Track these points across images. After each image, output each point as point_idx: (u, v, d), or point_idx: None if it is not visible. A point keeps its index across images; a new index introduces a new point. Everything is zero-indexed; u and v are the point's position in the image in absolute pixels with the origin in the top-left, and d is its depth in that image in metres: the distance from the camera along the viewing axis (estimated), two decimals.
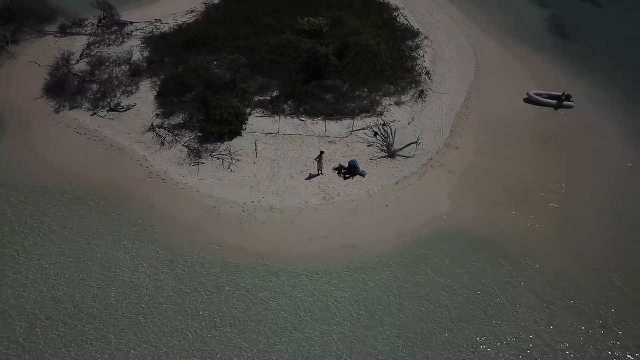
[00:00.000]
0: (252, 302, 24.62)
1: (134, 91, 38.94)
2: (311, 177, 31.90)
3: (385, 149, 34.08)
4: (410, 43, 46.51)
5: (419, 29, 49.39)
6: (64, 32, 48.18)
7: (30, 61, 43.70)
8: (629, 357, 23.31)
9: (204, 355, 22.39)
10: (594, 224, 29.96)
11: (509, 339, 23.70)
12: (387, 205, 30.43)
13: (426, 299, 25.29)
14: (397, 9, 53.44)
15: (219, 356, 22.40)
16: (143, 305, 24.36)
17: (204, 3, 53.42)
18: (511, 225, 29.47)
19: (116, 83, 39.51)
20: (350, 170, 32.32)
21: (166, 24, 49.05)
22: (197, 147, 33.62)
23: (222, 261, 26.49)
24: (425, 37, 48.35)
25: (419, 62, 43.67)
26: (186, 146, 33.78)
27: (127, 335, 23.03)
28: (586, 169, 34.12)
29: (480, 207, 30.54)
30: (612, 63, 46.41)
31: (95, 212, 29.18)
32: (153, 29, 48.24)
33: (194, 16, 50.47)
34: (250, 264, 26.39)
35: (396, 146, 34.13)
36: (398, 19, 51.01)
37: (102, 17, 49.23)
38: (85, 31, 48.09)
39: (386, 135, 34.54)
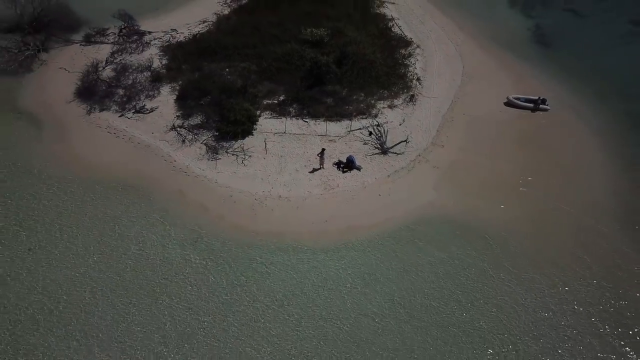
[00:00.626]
0: (265, 273, 29.29)
1: (155, 95, 43.67)
2: (314, 170, 36.60)
3: (379, 146, 38.75)
4: (403, 51, 51.25)
5: (411, 38, 54.10)
6: (88, 40, 52.98)
7: (60, 67, 48.53)
8: (579, 310, 27.86)
9: (227, 314, 27.03)
10: (556, 209, 34.58)
11: (479, 297, 28.33)
12: (379, 195, 35.11)
13: (411, 270, 29.93)
14: (392, 19, 58.20)
15: (240, 315, 27.04)
16: (169, 275, 29.00)
17: (215, 14, 58.28)
18: (485, 211, 34.09)
19: (139, 88, 44.28)
20: (348, 165, 37.00)
21: (181, 33, 53.80)
22: (214, 144, 38.34)
23: (238, 240, 31.17)
24: (417, 46, 53.06)
25: (410, 69, 48.40)
26: (204, 144, 38.49)
27: (162, 300, 27.68)
28: (555, 163, 38.70)
29: (460, 197, 35.19)
30: (586, 69, 51.01)
31: (127, 200, 33.88)
32: (169, 38, 53.01)
33: (206, 26, 55.19)
34: (263, 242, 31.07)
35: (388, 144, 38.79)
36: (393, 28, 55.74)
37: (123, 26, 53.95)
38: (108, 40, 52.84)
39: (380, 135, 39.22)
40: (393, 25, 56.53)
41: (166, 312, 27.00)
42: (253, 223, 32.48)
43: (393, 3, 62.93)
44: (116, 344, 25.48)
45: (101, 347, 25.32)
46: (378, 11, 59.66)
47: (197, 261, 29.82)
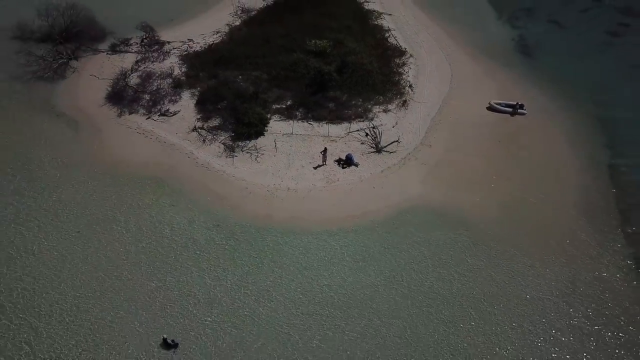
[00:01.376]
0: (278, 250, 34.97)
1: (177, 100, 49.44)
2: (317, 166, 42.28)
3: (374, 146, 44.40)
4: (397, 60, 56.98)
5: (405, 48, 59.77)
6: (114, 50, 58.78)
7: (90, 75, 54.32)
8: (537, 278, 33.44)
9: (247, 282, 32.72)
10: (525, 200, 40.20)
11: (455, 270, 33.94)
12: (374, 187, 40.78)
13: (400, 249, 35.55)
14: (388, 30, 63.88)
15: (258, 283, 32.71)
16: (197, 252, 34.72)
17: (227, 24, 64.01)
18: (465, 201, 39.67)
19: (163, 93, 50.05)
20: (347, 162, 42.65)
21: (197, 43, 59.53)
22: (230, 143, 44.06)
23: (254, 225, 36.85)
24: (411, 55, 58.74)
25: (404, 76, 54.13)
26: (222, 143, 44.22)
27: (192, 271, 33.35)
28: (529, 161, 44.28)
29: (443, 190, 40.79)
30: (562, 77, 56.53)
31: (159, 191, 39.59)
32: (187, 47, 58.73)
33: (220, 36, 60.93)
34: (275, 226, 36.76)
35: (382, 144, 44.45)
36: (389, 39, 61.40)
37: (144, 37, 59.67)
38: (132, 49, 58.56)
39: (375, 136, 44.87)
40: (389, 36, 62.19)
41: (196, 281, 32.68)
42: (266, 210, 38.18)
43: (390, 15, 68.70)
44: (158, 305, 31.18)
45: (145, 309, 31.02)
46: (376, 22, 65.36)
47: (220, 241, 35.54)
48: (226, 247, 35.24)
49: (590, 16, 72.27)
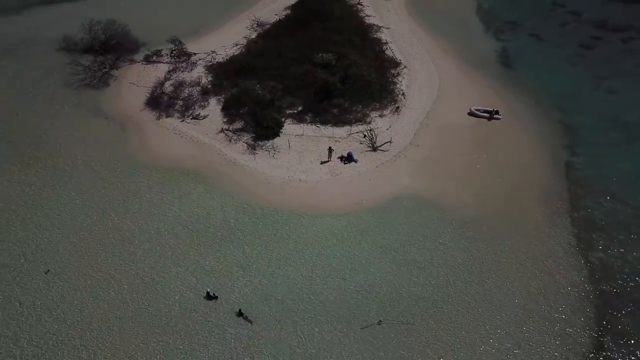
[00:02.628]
0: (293, 228, 44.12)
1: (206, 105, 58.58)
2: (323, 162, 51.40)
3: (370, 145, 53.44)
4: (393, 71, 65.82)
5: (400, 60, 68.63)
6: (148, 60, 67.92)
7: (130, 83, 63.53)
8: (494, 245, 42.43)
9: (269, 252, 41.90)
10: (495, 190, 49.15)
11: (432, 244, 42.97)
12: (369, 180, 49.88)
13: (391, 228, 44.58)
14: (386, 42, 72.73)
15: (276, 252, 41.88)
16: (230, 229, 43.94)
17: (245, 37, 73.05)
18: (444, 191, 48.64)
19: (194, 99, 59.22)
20: (348, 158, 51.73)
21: (219, 54, 68.58)
22: (252, 143, 53.23)
23: (272, 209, 46.03)
24: (405, 66, 67.59)
25: (398, 85, 62.99)
26: (245, 142, 53.40)
27: (225, 245, 42.57)
28: (499, 158, 53.18)
29: (427, 182, 49.79)
30: (534, 86, 64.99)
31: (193, 182, 48.81)
32: (211, 58, 67.82)
33: (239, 48, 69.91)
34: (290, 210, 45.91)
35: (377, 144, 53.46)
36: (386, 51, 70.26)
37: (174, 48, 68.78)
38: (163, 60, 67.72)
39: (371, 137, 53.89)
40: (387, 48, 71.03)
41: (231, 251, 41.95)
42: (282, 198, 47.40)
43: (388, 28, 77.52)
44: (202, 268, 40.46)
45: (193, 270, 40.32)
46: (375, 36, 74.22)
47: (247, 220, 44.81)
48: (252, 225, 44.49)
49: (568, 30, 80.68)
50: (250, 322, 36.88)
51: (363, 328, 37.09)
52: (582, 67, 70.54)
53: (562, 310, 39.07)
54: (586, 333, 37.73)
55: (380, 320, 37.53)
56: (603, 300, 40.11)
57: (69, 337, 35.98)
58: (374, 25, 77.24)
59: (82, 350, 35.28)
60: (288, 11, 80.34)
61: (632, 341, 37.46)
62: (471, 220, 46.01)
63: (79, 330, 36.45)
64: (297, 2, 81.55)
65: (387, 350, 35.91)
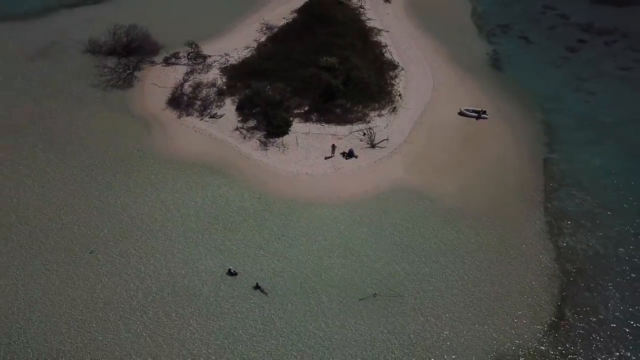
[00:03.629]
0: (298, 217, 50.76)
1: (222, 105, 65.06)
2: (327, 158, 57.96)
3: (369, 142, 59.93)
4: (391, 73, 72.04)
5: (398, 62, 74.80)
6: (167, 62, 74.31)
7: (152, 84, 70.00)
8: (471, 229, 49.02)
9: (281, 236, 48.62)
10: (477, 182, 55.66)
11: (419, 230, 49.60)
12: (368, 174, 56.47)
13: (386, 214, 51.19)
14: (385, 45, 78.89)
15: (288, 235, 48.63)
16: (247, 215, 50.67)
17: (255, 40, 79.29)
18: (432, 183, 55.21)
19: (211, 100, 65.69)
20: (349, 154, 58.26)
21: (232, 57, 74.87)
22: (264, 140, 59.80)
23: (283, 199, 52.69)
24: (402, 69, 73.79)
25: (395, 87, 69.26)
26: (258, 140, 59.96)
27: (239, 231, 49.32)
28: (484, 154, 59.60)
29: (419, 175, 56.31)
30: (520, 87, 71.23)
31: (213, 175, 55.49)
32: (225, 60, 74.16)
33: (250, 51, 76.16)
34: (298, 200, 52.54)
35: (376, 141, 59.93)
36: (385, 54, 76.45)
37: (190, 51, 75.09)
38: (181, 62, 74.09)
39: (370, 135, 60.35)
40: (386, 51, 77.21)
41: (250, 234, 48.75)
42: (291, 189, 54.06)
43: (387, 31, 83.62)
44: (223, 249, 47.27)
45: (214, 250, 47.16)
46: (375, 39, 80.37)
47: (261, 209, 51.54)
48: (265, 212, 51.24)
49: (556, 33, 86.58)
50: (266, 293, 43.72)
51: (361, 299, 43.89)
52: (565, 69, 76.61)
53: (532, 285, 45.74)
54: (551, 304, 44.42)
55: (375, 294, 44.32)
56: (567, 278, 46.75)
57: (121, 304, 42.98)
58: (375, 28, 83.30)
59: (135, 312, 42.28)
60: (295, 15, 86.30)
61: (589, 310, 44.12)
62: (456, 209, 52.61)
63: (126, 297, 43.43)
64: (302, 7, 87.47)
65: (381, 316, 42.69)
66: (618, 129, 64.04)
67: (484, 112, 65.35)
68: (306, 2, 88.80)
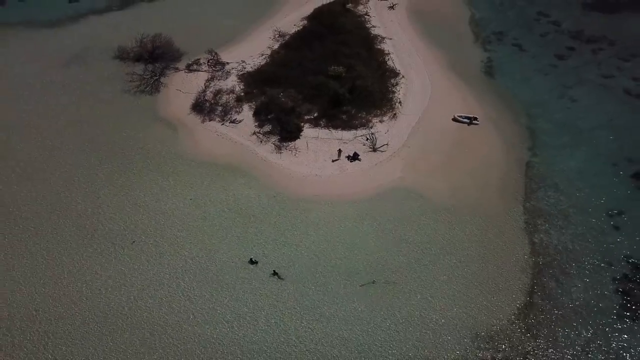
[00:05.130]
0: (309, 213, 58.82)
1: (240, 111, 72.88)
2: (334, 161, 65.84)
3: (372, 147, 67.68)
4: (393, 81, 79.46)
5: (399, 70, 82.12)
6: (189, 69, 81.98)
7: (177, 89, 77.83)
8: (459, 226, 56.98)
9: (295, 225, 56.81)
10: (466, 182, 63.41)
11: (414, 226, 57.60)
12: (370, 175, 64.38)
13: (385, 211, 59.15)
14: (388, 53, 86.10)
15: (298, 227, 56.79)
16: (265, 211, 58.85)
17: (269, 47, 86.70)
18: (426, 183, 63.00)
19: (230, 105, 73.48)
20: (353, 157, 66.09)
21: (248, 64, 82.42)
22: (278, 144, 67.66)
23: (294, 195, 60.73)
24: (403, 76, 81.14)
25: (396, 94, 76.74)
26: (273, 143, 67.84)
27: (256, 225, 57.57)
28: (473, 157, 67.21)
29: (415, 176, 64.10)
30: (509, 94, 78.65)
31: (234, 175, 63.57)
32: (241, 67, 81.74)
33: (264, 58, 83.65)
34: (307, 198, 60.58)
35: (377, 145, 67.67)
36: (388, 62, 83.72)
37: (210, 58, 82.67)
38: (202, 68, 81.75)
39: (372, 140, 68.09)
40: (388, 59, 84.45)
41: (267, 228, 56.97)
42: (302, 189, 62.07)
43: (391, 39, 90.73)
44: (246, 240, 55.56)
45: (237, 242, 55.46)
46: (379, 47, 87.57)
47: (276, 206, 59.67)
48: (280, 209, 59.37)
49: (547, 40, 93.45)
50: (282, 279, 52.08)
51: (361, 285, 52.16)
52: (552, 76, 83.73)
53: (508, 275, 53.67)
54: (523, 292, 52.44)
55: (374, 280, 52.54)
56: (538, 269, 54.75)
57: (172, 288, 51.57)
58: (379, 36, 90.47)
59: (182, 291, 50.86)
60: (305, 22, 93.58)
61: (555, 297, 52.15)
62: (447, 207, 60.49)
63: (160, 279, 51.99)
64: (312, 14, 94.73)
65: (377, 299, 50.98)
66: (593, 134, 71.55)
67: (476, 119, 72.75)
68: (316, 10, 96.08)
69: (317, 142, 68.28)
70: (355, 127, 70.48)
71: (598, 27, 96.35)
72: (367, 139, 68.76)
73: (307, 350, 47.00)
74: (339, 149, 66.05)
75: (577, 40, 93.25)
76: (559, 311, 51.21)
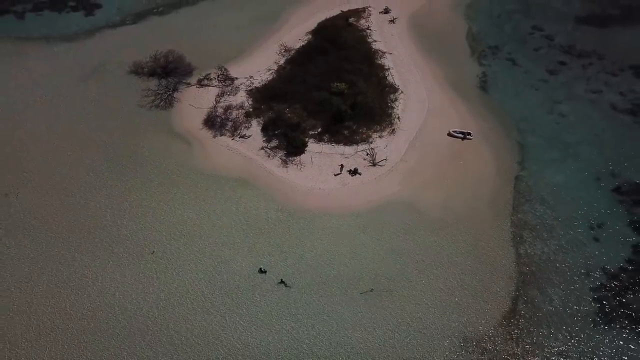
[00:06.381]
0: (313, 225, 64.08)
1: (249, 126, 77.98)
2: (336, 175, 71.02)
3: (371, 161, 72.77)
4: (392, 96, 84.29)
5: (399, 86, 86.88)
6: (200, 84, 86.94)
7: (189, 105, 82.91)
8: (448, 236, 62.23)
9: (302, 236, 62.12)
10: (458, 195, 68.47)
11: (408, 235, 62.84)
12: (370, 188, 69.51)
13: (383, 223, 64.38)
14: (388, 68, 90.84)
15: (304, 236, 62.09)
16: (272, 223, 64.15)
17: (275, 62, 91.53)
18: (421, 196, 68.10)
19: (240, 121, 78.57)
20: (354, 172, 71.20)
21: (256, 79, 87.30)
22: (284, 159, 72.85)
23: (300, 208, 65.99)
24: (402, 92, 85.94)
25: (395, 110, 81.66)
26: (280, 158, 73.02)
27: (270, 232, 62.86)
28: (466, 171, 72.20)
29: (411, 189, 69.18)
30: (500, 109, 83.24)
31: (244, 188, 68.80)
32: (250, 83, 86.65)
33: (271, 73, 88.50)
34: (312, 210, 65.83)
35: (376, 160, 72.74)
36: (388, 77, 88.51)
37: (220, 74, 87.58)
38: (212, 84, 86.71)
39: (372, 154, 73.16)
40: (388, 74, 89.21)
41: (274, 238, 62.28)
42: (307, 202, 67.31)
43: (391, 54, 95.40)
44: (254, 251, 60.90)
45: (246, 252, 60.83)
46: (379, 62, 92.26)
47: (283, 218, 64.94)
48: (287, 221, 64.66)
49: (540, 54, 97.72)
50: (289, 287, 57.49)
51: (361, 293, 57.53)
52: (543, 91, 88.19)
53: (494, 283, 59.02)
54: (507, 299, 57.77)
55: (372, 289, 57.87)
56: (523, 278, 59.98)
57: (173, 291, 57.04)
58: (379, 51, 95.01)
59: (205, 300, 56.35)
60: (309, 36, 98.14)
61: (536, 304, 57.44)
62: (440, 219, 65.72)
63: (178, 287, 57.47)
64: (316, 28, 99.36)
65: (375, 306, 56.35)
66: (579, 149, 76.44)
67: (469, 134, 77.65)
68: (320, 24, 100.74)
69: (321, 156, 73.36)
70: (357, 142, 75.51)
71: (589, 41, 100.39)
72: (367, 153, 73.77)
73: (313, 354, 52.62)
74: (341, 164, 71.19)
75: (569, 54, 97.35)
76: (540, 317, 56.57)
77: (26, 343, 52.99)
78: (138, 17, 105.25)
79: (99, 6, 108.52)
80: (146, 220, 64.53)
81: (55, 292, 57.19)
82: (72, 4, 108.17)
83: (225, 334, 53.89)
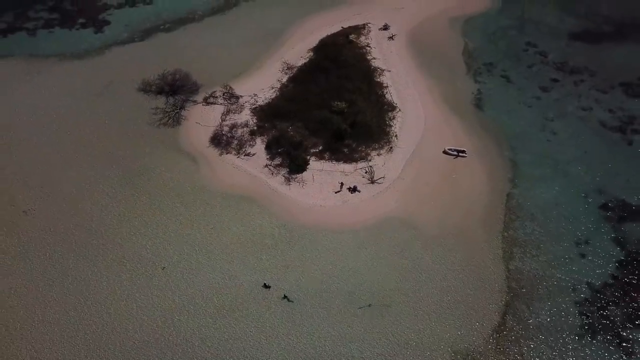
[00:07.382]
0: (314, 242, 67.84)
1: (254, 144, 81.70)
2: (337, 192, 74.73)
3: (370, 179, 76.48)
4: (390, 114, 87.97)
5: (396, 104, 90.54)
6: (206, 102, 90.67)
7: (196, 122, 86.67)
8: (440, 248, 65.96)
9: (304, 254, 65.86)
10: (451, 212, 72.13)
11: (408, 251, 66.53)
12: (368, 206, 73.21)
13: (381, 239, 68.07)
14: (386, 86, 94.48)
15: (307, 249, 65.81)
16: (275, 239, 67.91)
17: (278, 80, 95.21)
18: (418, 214, 71.83)
19: (245, 139, 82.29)
20: (354, 189, 74.89)
21: (260, 97, 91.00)
22: (287, 176, 76.57)
23: (302, 224, 69.69)
24: (400, 110, 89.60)
25: (392, 128, 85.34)
26: (283, 175, 76.74)
27: (273, 248, 66.64)
28: (459, 188, 75.87)
29: (406, 206, 72.89)
30: (496, 127, 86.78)
31: (249, 204, 72.52)
32: (254, 101, 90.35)
33: (274, 92, 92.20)
34: (313, 227, 69.52)
35: (375, 178, 76.43)
36: (386, 95, 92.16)
37: (225, 92, 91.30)
38: (218, 102, 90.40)
39: (370, 172, 76.85)
40: (387, 92, 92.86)
41: (274, 256, 66.05)
42: (308, 218, 70.98)
43: (389, 71, 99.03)
44: (259, 267, 64.68)
45: (251, 268, 64.63)
46: (378, 79, 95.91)
47: (286, 234, 68.67)
48: (290, 237, 68.40)
49: (533, 71, 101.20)
50: (292, 301, 61.27)
51: (359, 308, 61.28)
52: (535, 109, 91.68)
53: (485, 298, 62.71)
54: (497, 313, 61.47)
55: (370, 304, 61.63)
56: (512, 293, 63.66)
57: (178, 306, 60.87)
58: (378, 68, 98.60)
59: (212, 315, 60.18)
60: (311, 53, 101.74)
61: (524, 319, 61.14)
62: (434, 236, 69.39)
63: (182, 301, 61.31)
64: (318, 45, 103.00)
65: (373, 321, 60.11)
66: (569, 166, 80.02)
67: (464, 152, 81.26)
68: (321, 41, 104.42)
69: (322, 174, 77.08)
70: (356, 160, 79.24)
71: (581, 57, 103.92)
72: (366, 171, 77.45)
73: None
74: (341, 182, 74.89)
75: (561, 71, 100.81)
76: (527, 331, 60.25)
77: (50, 354, 56.83)
78: (146, 33, 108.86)
79: (107, 22, 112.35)
80: (157, 236, 68.32)
81: (71, 302, 61.12)
82: (81, 20, 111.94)
83: (237, 345, 57.67)
